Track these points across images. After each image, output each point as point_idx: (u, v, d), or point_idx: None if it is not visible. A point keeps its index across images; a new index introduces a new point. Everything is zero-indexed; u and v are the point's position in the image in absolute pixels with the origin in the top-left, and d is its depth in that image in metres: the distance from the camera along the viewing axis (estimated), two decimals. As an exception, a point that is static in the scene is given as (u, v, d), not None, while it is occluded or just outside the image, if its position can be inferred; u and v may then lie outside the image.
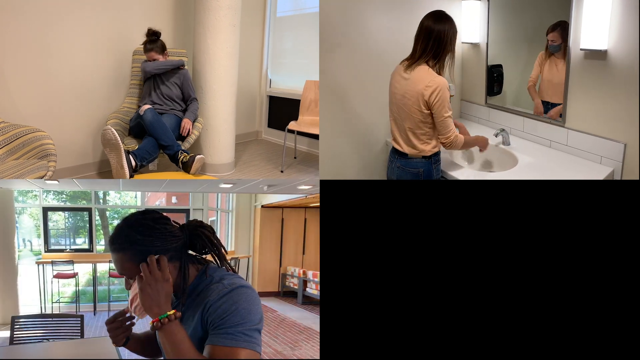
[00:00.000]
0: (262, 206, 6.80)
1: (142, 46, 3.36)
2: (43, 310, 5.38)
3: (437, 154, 2.21)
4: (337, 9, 2.46)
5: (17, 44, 3.11)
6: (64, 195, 6.18)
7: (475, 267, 1.70)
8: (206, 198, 6.60)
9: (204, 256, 1.16)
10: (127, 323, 1.19)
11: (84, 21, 3.43)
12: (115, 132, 2.84)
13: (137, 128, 3.29)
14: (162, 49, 3.38)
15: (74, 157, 3.60)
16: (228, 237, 6.98)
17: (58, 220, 6.18)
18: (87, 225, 6.18)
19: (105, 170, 3.76)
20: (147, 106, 3.19)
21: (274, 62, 5.08)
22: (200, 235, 1.12)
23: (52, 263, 5.48)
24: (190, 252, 1.14)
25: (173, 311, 1.02)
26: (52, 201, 6.11)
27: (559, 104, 2.40)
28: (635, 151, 2.06)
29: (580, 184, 1.71)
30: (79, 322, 2.49)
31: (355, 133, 2.74)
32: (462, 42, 2.92)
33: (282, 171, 4.00)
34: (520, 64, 2.66)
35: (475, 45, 2.89)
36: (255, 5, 4.85)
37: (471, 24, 2.84)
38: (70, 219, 6.25)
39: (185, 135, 3.36)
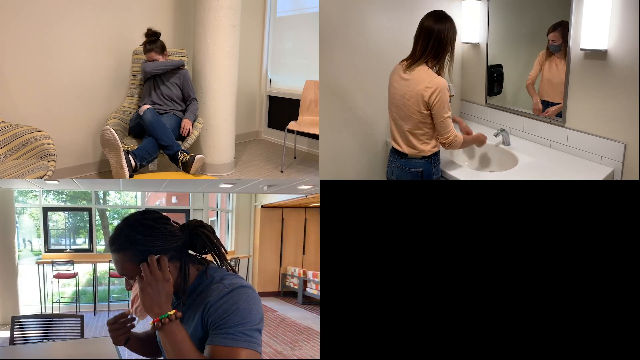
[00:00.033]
0: (262, 206, 6.80)
1: (142, 46, 3.36)
2: (43, 311, 5.38)
3: (437, 153, 2.21)
4: (337, 9, 2.46)
5: (17, 44, 3.11)
6: (64, 195, 6.18)
7: (475, 267, 1.70)
8: (206, 198, 6.60)
9: (204, 256, 1.16)
10: (128, 325, 1.19)
11: (84, 21, 3.43)
12: (114, 132, 2.84)
13: (137, 128, 3.29)
14: (162, 49, 3.38)
15: (74, 157, 3.60)
16: (228, 237, 6.98)
17: (58, 220, 6.18)
18: (87, 226, 6.18)
19: (105, 170, 3.76)
20: (146, 106, 3.19)
21: (274, 62, 5.08)
22: (200, 235, 1.12)
23: (52, 263, 5.48)
24: (190, 252, 1.14)
25: (174, 311, 1.02)
26: (52, 201, 6.11)
27: (558, 104, 2.40)
28: (635, 151, 2.06)
29: (580, 184, 1.71)
30: (79, 322, 2.49)
31: (355, 133, 2.74)
32: (462, 42, 2.92)
33: (282, 171, 4.00)
34: (520, 64, 2.66)
35: (475, 45, 2.89)
36: (255, 5, 4.85)
37: (471, 24, 2.84)
38: (70, 219, 6.25)
39: (185, 135, 3.36)
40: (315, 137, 3.99)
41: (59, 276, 5.45)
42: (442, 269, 1.71)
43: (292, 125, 3.99)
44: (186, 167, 3.07)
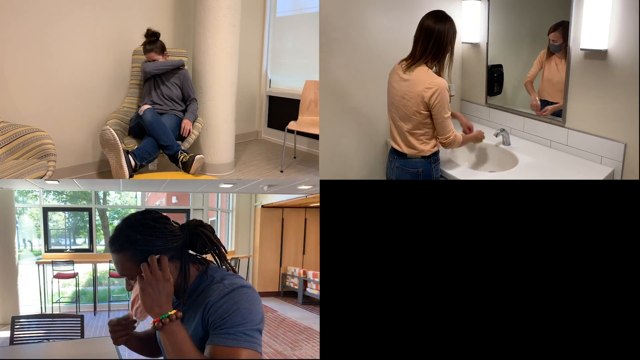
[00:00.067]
0: (262, 206, 6.80)
1: (142, 47, 3.36)
2: (43, 311, 5.38)
3: (436, 153, 2.21)
4: (337, 9, 2.46)
5: (17, 44, 3.11)
6: (64, 196, 6.18)
7: (475, 267, 1.70)
8: (206, 198, 6.60)
9: (204, 256, 1.16)
10: (129, 327, 1.20)
11: (84, 21, 3.43)
12: (113, 132, 2.84)
13: (136, 128, 3.29)
14: (162, 49, 3.38)
15: (74, 157, 3.60)
16: (228, 237, 6.98)
17: (58, 220, 6.17)
18: (87, 226, 6.18)
19: (105, 170, 3.76)
20: (146, 106, 3.19)
21: (273, 62, 5.08)
22: (200, 235, 1.12)
23: (53, 263, 5.48)
24: (190, 251, 1.14)
25: (174, 311, 1.02)
26: (52, 201, 6.11)
27: (558, 103, 2.41)
28: (636, 151, 2.06)
29: (580, 184, 1.71)
30: (79, 322, 2.49)
31: (355, 133, 2.74)
32: (462, 42, 2.92)
33: (281, 171, 4.00)
34: (521, 64, 2.66)
35: (475, 45, 2.89)
36: (255, 5, 4.85)
37: (471, 24, 2.84)
38: (70, 219, 6.25)
39: (185, 136, 3.36)
40: (315, 137, 3.99)
41: (59, 276, 5.45)
42: (442, 269, 1.71)
43: (292, 125, 3.99)
44: (186, 167, 3.07)
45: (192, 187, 5.21)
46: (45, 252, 5.89)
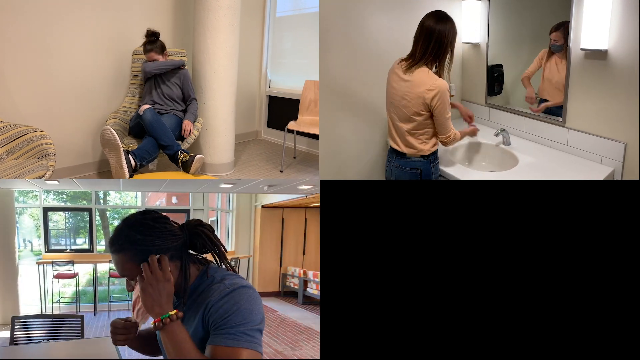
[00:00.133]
0: (263, 206, 6.80)
1: (142, 47, 3.36)
2: (43, 311, 5.38)
3: (435, 152, 2.21)
4: (337, 9, 2.46)
5: (17, 44, 3.11)
6: (64, 196, 6.18)
7: (475, 267, 1.70)
8: (206, 198, 6.60)
9: (204, 256, 1.16)
10: (132, 330, 1.20)
11: (84, 21, 3.43)
12: (114, 132, 2.84)
13: (137, 128, 3.29)
14: (162, 49, 3.38)
15: (74, 157, 3.60)
16: (228, 237, 6.98)
17: (58, 220, 6.18)
18: (88, 226, 6.18)
19: (105, 170, 3.76)
20: (146, 106, 3.19)
21: (273, 62, 5.08)
22: (200, 234, 1.12)
23: (53, 263, 5.48)
24: (190, 251, 1.14)
25: (175, 311, 1.02)
26: (52, 201, 6.11)
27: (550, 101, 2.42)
28: (636, 151, 2.06)
29: (580, 184, 1.71)
30: (79, 322, 2.49)
31: (355, 133, 2.74)
32: (462, 42, 2.91)
33: (281, 171, 4.00)
34: (521, 64, 2.66)
35: (475, 45, 2.89)
36: (255, 5, 4.85)
37: (471, 24, 2.84)
38: (70, 219, 6.25)
39: (186, 136, 3.36)
40: (315, 137, 3.99)
41: (59, 276, 5.45)
42: (442, 269, 1.71)
43: (291, 125, 3.99)
44: (186, 167, 3.07)
45: (192, 187, 5.21)
46: (46, 252, 5.89)
